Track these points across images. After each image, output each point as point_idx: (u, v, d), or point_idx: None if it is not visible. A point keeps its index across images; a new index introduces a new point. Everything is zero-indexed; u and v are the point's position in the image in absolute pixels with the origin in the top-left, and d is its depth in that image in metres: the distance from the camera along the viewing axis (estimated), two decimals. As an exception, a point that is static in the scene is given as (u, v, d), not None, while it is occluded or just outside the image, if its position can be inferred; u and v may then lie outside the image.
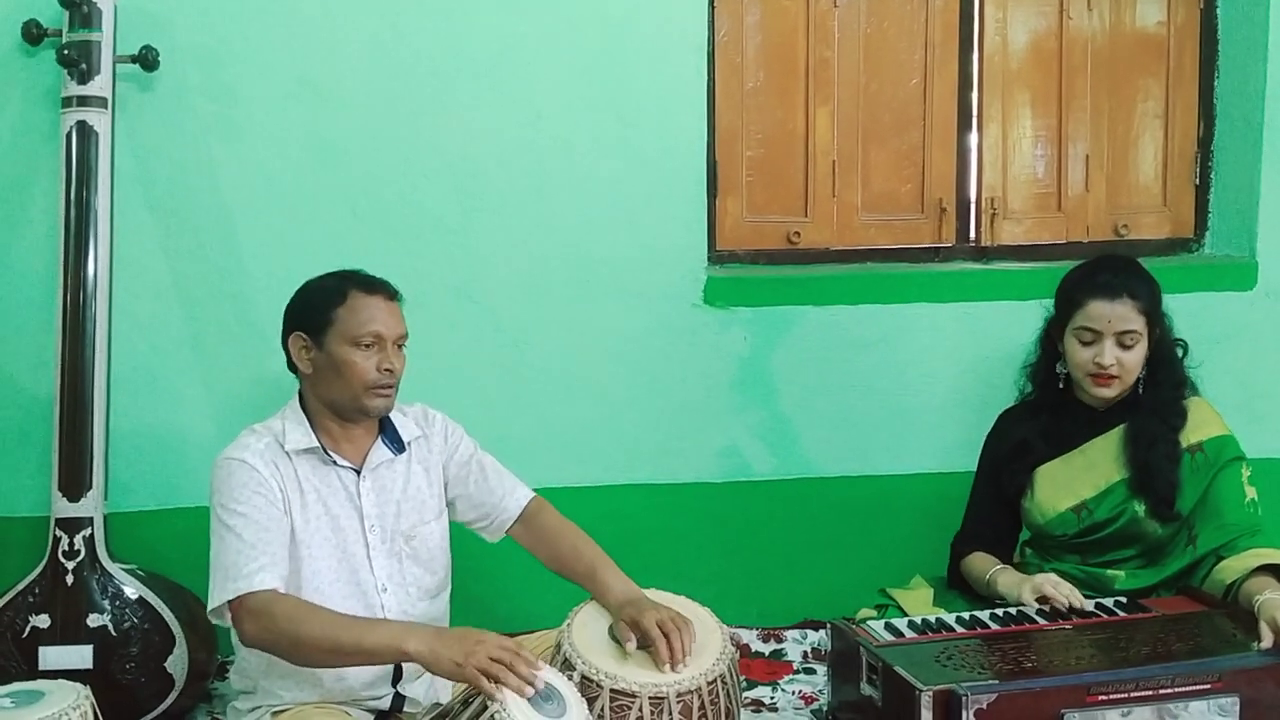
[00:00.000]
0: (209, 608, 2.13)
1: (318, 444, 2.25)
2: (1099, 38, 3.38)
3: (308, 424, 2.26)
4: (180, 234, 2.90)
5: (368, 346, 2.22)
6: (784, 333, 3.13)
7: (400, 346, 2.29)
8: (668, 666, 2.08)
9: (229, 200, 2.90)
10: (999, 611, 2.40)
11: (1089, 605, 2.40)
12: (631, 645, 2.13)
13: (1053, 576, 2.45)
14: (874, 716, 2.21)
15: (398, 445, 2.32)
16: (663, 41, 3.01)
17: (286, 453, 2.22)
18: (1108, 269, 2.56)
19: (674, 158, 3.05)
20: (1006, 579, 2.49)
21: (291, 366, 2.30)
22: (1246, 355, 3.25)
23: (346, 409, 2.25)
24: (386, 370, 2.23)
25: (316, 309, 2.25)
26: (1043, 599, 2.40)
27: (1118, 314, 2.48)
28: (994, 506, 2.67)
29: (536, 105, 2.98)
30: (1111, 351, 2.48)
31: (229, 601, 2.09)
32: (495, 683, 1.88)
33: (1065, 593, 2.39)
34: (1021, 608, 2.40)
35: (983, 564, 2.56)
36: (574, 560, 2.34)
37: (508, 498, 2.41)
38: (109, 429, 2.73)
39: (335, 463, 2.26)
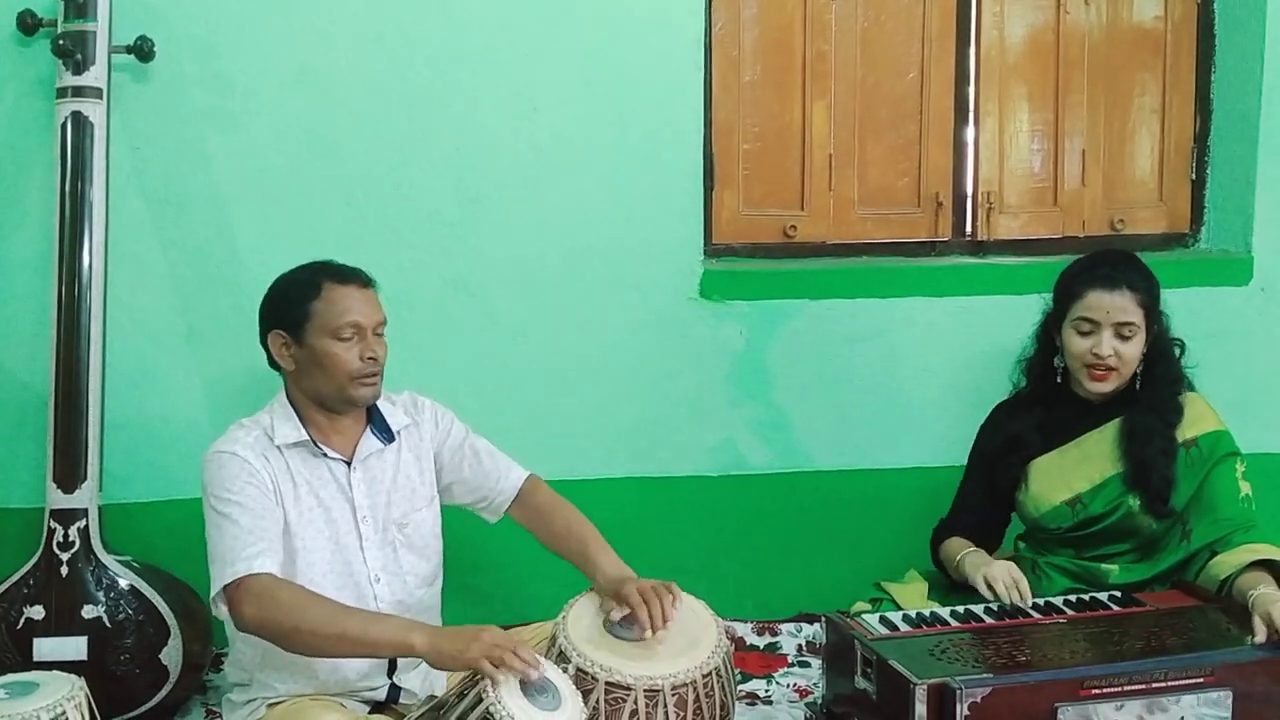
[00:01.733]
0: (211, 597, 2.12)
1: (307, 437, 2.25)
2: (1096, 32, 3.38)
3: (296, 418, 2.26)
4: (175, 225, 2.89)
5: (348, 338, 2.22)
6: (780, 326, 3.13)
7: (379, 333, 2.28)
8: (650, 632, 2.09)
9: (224, 191, 2.89)
10: (993, 605, 2.41)
11: (1029, 603, 2.39)
12: (616, 613, 2.14)
13: (1010, 567, 2.45)
14: (868, 710, 2.22)
15: (387, 435, 2.32)
16: (659, 34, 3.00)
17: (276, 446, 2.22)
18: (1107, 262, 2.56)
19: (670, 151, 3.04)
20: (973, 559, 2.50)
21: (273, 364, 2.29)
22: (1242, 350, 3.26)
23: (333, 401, 2.25)
24: (369, 359, 2.23)
25: (292, 305, 2.24)
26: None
27: (1116, 304, 2.48)
28: (982, 497, 2.68)
29: (533, 98, 2.98)
30: (1109, 342, 2.49)
31: (225, 586, 2.08)
32: (498, 666, 1.88)
33: (1007, 588, 2.39)
34: (989, 604, 2.41)
35: (956, 547, 2.58)
36: (566, 537, 2.35)
37: (503, 479, 2.42)
38: (104, 420, 2.72)
39: (325, 455, 2.26)
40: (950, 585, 2.61)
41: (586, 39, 2.98)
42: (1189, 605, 2.41)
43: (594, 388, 3.08)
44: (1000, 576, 2.42)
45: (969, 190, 3.37)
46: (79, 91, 2.68)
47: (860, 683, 2.23)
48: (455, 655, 1.93)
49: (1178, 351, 2.59)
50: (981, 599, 2.47)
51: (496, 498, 2.42)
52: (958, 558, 2.54)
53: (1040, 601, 2.43)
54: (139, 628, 2.63)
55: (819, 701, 2.49)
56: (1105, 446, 2.56)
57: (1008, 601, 2.39)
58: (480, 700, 1.87)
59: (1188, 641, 2.22)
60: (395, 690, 2.26)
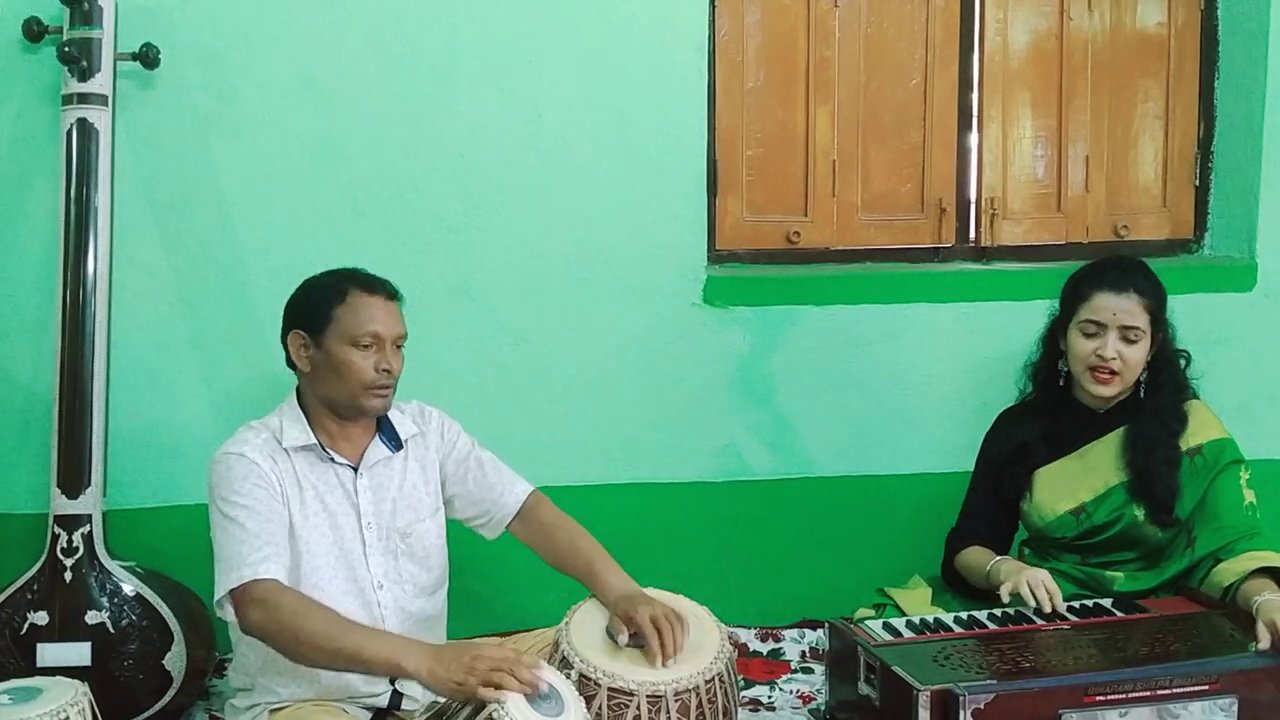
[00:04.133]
0: (215, 599, 2.12)
1: (315, 441, 2.25)
2: (1099, 38, 3.38)
3: (305, 421, 2.26)
4: (180, 232, 2.90)
5: (366, 347, 2.22)
6: (783, 332, 3.13)
7: (399, 347, 2.29)
8: (659, 661, 2.08)
9: (229, 198, 2.90)
10: (997, 611, 2.41)
11: (1062, 608, 2.38)
12: (623, 638, 2.13)
13: (1044, 575, 2.44)
14: (872, 716, 2.22)
15: (395, 443, 2.33)
16: (663, 40, 3.01)
17: (284, 449, 2.23)
18: (1116, 266, 2.57)
19: (674, 156, 3.05)
20: (1008, 568, 2.49)
21: (290, 364, 2.30)
22: (1246, 356, 3.26)
23: (344, 408, 2.26)
24: (385, 371, 2.24)
25: (316, 308, 2.25)
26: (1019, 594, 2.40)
27: (1123, 308, 2.48)
28: (990, 504, 2.68)
29: (537, 103, 2.99)
30: (1114, 344, 2.48)
31: (232, 590, 2.08)
32: (499, 689, 1.87)
33: (1042, 596, 2.37)
34: (1020, 608, 2.40)
35: (982, 556, 2.56)
36: (572, 556, 2.34)
37: (507, 493, 2.41)
38: (108, 426, 2.73)
39: (333, 460, 2.26)
40: (955, 591, 2.61)
41: (590, 45, 2.99)
42: (1193, 611, 2.41)
43: (597, 393, 3.08)
44: (1026, 593, 2.40)
45: (972, 196, 3.37)
46: (84, 98, 2.69)
47: (864, 689, 2.23)
48: (453, 687, 1.90)
49: (1183, 362, 2.59)
50: (985, 604, 2.47)
51: (498, 512, 2.41)
52: (988, 567, 2.52)
53: (1045, 608, 2.42)
54: (143, 633, 2.63)
55: (822, 707, 2.49)
56: (1109, 455, 2.55)
57: (1046, 607, 2.36)
58: (483, 706, 1.87)
59: (1192, 648, 2.22)
60: (397, 696, 2.26)
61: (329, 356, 2.23)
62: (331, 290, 2.26)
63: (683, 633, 2.13)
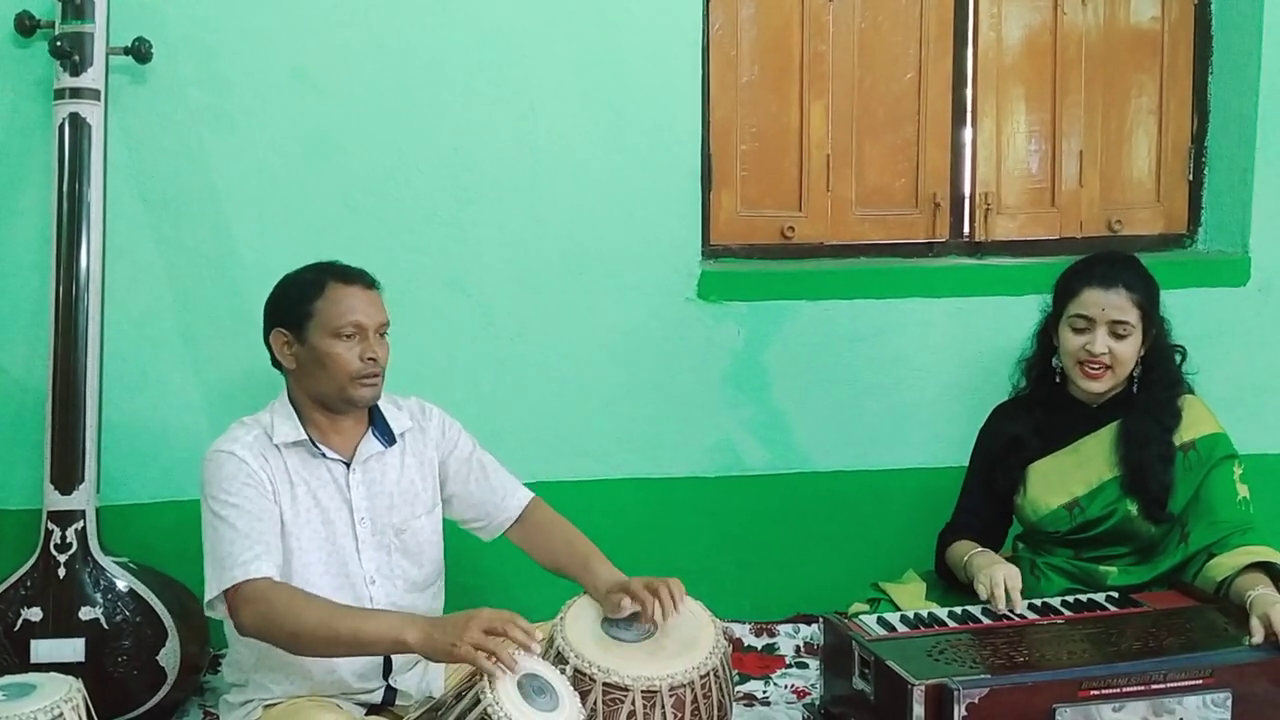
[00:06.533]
0: (206, 599, 2.12)
1: (306, 436, 2.24)
2: (1093, 33, 3.38)
3: (296, 417, 2.26)
4: (173, 226, 2.89)
5: (349, 337, 2.22)
6: (777, 327, 3.13)
7: (382, 335, 2.28)
8: (657, 619, 2.12)
9: (222, 192, 2.89)
10: (989, 606, 2.41)
11: (1015, 608, 2.38)
12: (624, 602, 2.16)
13: (1012, 572, 2.43)
14: (866, 711, 2.22)
15: (388, 437, 2.32)
16: (658, 35, 3.00)
17: (275, 445, 2.22)
18: (1106, 261, 2.57)
19: (668, 151, 3.04)
20: (981, 560, 2.49)
21: (275, 363, 2.29)
22: (1239, 351, 3.26)
23: (333, 401, 2.25)
24: (370, 359, 2.23)
25: (295, 303, 2.24)
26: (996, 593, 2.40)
27: (1112, 303, 2.49)
28: (984, 500, 2.68)
29: (531, 98, 2.98)
30: (1103, 340, 2.49)
31: (225, 590, 2.08)
32: (492, 658, 1.88)
33: (1000, 595, 2.37)
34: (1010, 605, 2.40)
35: (963, 548, 2.57)
36: (568, 554, 2.35)
37: (508, 498, 2.42)
38: (101, 422, 2.72)
39: (324, 455, 2.25)
40: (949, 586, 2.61)
41: (584, 40, 2.98)
42: (1187, 606, 2.41)
43: (592, 388, 3.08)
44: (996, 579, 2.41)
45: (966, 191, 3.37)
46: (76, 93, 2.68)
47: (858, 684, 2.23)
48: (448, 650, 1.92)
49: (1179, 358, 2.59)
50: (979, 599, 2.47)
51: (499, 516, 2.42)
52: (965, 558, 2.53)
53: (1038, 602, 2.42)
54: (136, 629, 2.63)
55: (817, 702, 2.49)
56: (1103, 450, 2.56)
57: (998, 605, 2.37)
58: (478, 701, 1.87)
59: (1186, 642, 2.22)
60: (391, 692, 2.26)
61: (313, 351, 2.22)
62: (309, 284, 2.25)
63: (679, 591, 2.16)
